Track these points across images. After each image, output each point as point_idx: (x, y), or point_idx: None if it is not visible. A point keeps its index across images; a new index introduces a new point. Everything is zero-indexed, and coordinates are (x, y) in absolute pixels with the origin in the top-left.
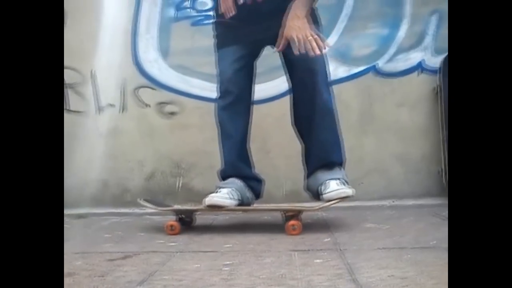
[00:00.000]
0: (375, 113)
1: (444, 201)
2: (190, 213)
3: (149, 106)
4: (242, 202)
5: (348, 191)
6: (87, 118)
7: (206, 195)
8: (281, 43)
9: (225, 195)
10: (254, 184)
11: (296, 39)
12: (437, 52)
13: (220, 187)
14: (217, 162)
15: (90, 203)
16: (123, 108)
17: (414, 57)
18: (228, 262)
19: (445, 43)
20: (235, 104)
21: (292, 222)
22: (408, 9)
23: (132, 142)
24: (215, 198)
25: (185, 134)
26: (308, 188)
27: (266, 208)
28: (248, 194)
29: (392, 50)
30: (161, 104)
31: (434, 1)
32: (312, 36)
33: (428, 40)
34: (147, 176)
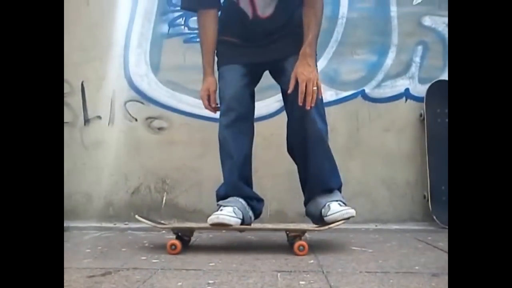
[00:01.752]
0: (361, 137)
1: (428, 227)
2: (190, 231)
3: (137, 120)
4: (243, 222)
5: (351, 211)
6: (73, 128)
7: (190, 212)
8: (292, 84)
9: (230, 213)
10: (254, 203)
11: (301, 90)
12: (421, 81)
13: (222, 206)
14: (203, 179)
15: (71, 216)
16: (111, 121)
17: (401, 85)
18: (211, 281)
19: (429, 74)
20: (238, 122)
21: (299, 243)
22: (395, 38)
23: (118, 156)
24: (221, 216)
25: (172, 150)
26: (308, 214)
27: (271, 228)
28: (250, 213)
29: (379, 76)
30: (149, 118)
31: (419, 33)
32: (313, 88)
33: (413, 69)
34: (132, 190)
